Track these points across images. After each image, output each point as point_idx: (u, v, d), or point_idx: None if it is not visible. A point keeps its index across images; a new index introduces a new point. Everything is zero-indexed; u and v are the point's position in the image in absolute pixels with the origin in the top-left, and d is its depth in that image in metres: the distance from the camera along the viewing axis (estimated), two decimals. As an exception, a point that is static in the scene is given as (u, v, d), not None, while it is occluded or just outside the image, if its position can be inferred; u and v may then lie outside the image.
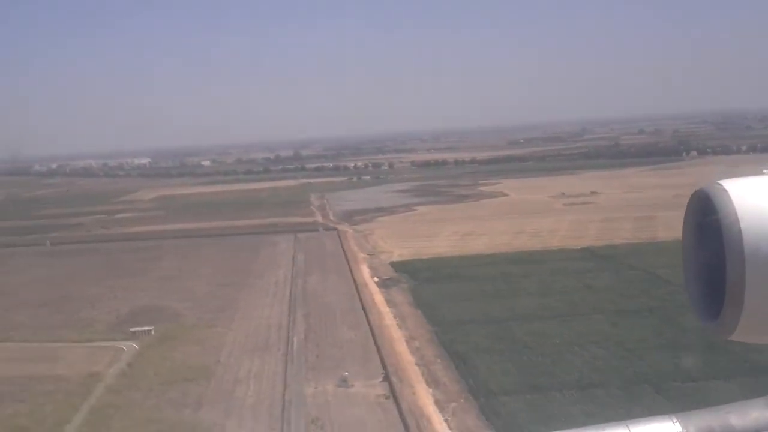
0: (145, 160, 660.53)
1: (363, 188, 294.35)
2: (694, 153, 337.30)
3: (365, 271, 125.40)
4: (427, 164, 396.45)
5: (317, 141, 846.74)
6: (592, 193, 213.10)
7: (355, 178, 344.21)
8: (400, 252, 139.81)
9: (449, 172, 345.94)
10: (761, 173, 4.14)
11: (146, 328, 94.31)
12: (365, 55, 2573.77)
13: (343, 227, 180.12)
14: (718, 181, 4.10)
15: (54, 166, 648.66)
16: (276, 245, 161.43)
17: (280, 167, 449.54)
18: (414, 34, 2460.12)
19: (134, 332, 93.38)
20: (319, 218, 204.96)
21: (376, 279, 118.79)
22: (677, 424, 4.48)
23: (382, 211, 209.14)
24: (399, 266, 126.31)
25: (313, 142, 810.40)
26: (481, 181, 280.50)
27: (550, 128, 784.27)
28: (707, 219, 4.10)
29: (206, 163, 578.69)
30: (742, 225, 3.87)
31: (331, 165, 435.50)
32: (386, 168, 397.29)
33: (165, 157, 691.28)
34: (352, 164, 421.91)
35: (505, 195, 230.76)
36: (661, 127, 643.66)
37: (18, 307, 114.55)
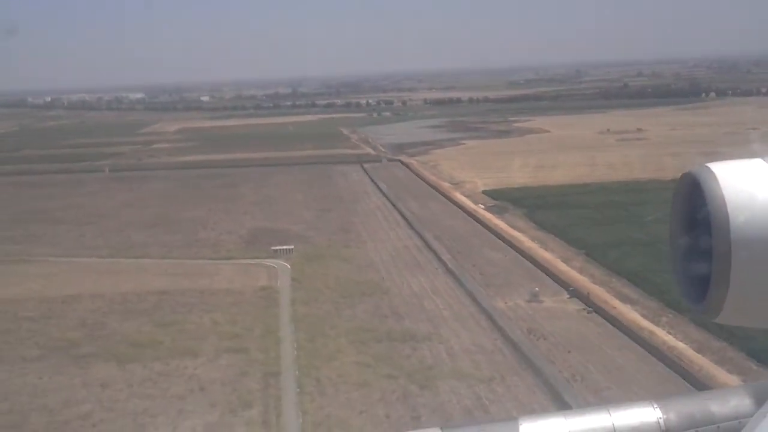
0: (139, 95, 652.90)
1: (391, 124, 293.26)
2: (712, 94, 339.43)
3: (463, 198, 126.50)
4: (440, 102, 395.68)
5: (308, 79, 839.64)
6: (638, 130, 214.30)
7: (375, 114, 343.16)
8: (482, 182, 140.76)
9: (468, 110, 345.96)
10: (749, 157, 4.18)
11: (287, 247, 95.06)
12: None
13: (404, 159, 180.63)
14: (706, 164, 4.16)
15: (48, 99, 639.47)
16: (347, 174, 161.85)
17: (290, 103, 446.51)
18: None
19: (276, 251, 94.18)
20: (369, 150, 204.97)
21: (482, 205, 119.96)
22: (657, 409, 4.53)
23: (430, 144, 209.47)
24: (494, 194, 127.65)
25: (304, 81, 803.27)
26: (510, 119, 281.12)
27: (541, 70, 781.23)
28: (695, 201, 4.16)
29: (205, 98, 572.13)
30: (729, 208, 3.92)
31: (341, 102, 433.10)
32: (399, 105, 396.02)
33: (156, 92, 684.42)
34: (364, 101, 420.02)
35: (546, 131, 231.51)
36: (657, 71, 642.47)
37: (129, 228, 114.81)
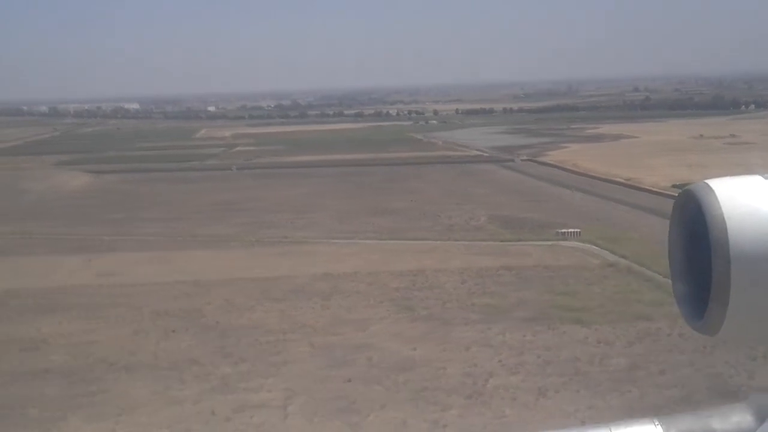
0: (134, 105, 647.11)
1: (451, 131, 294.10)
2: (752, 106, 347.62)
3: (662, 191, 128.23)
4: (473, 112, 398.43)
5: (295, 93, 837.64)
6: (732, 135, 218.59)
7: (422, 123, 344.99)
8: (652, 179, 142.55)
9: (513, 119, 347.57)
10: (748, 174, 4.22)
11: (573, 230, 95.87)
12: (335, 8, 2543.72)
13: (533, 159, 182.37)
14: (705, 181, 4.18)
15: (44, 108, 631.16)
16: (495, 173, 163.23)
17: (317, 112, 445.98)
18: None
19: (563, 233, 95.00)
20: (476, 152, 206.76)
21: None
22: (659, 427, 4.51)
23: (532, 147, 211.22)
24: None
25: (293, 94, 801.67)
26: (573, 126, 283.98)
27: (528, 86, 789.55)
28: (694, 218, 4.17)
29: (211, 108, 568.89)
30: (728, 224, 3.93)
31: (371, 111, 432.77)
32: (431, 114, 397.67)
33: (148, 103, 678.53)
34: (394, 111, 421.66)
35: (635, 137, 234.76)
36: (653, 87, 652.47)
37: (355, 215, 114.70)
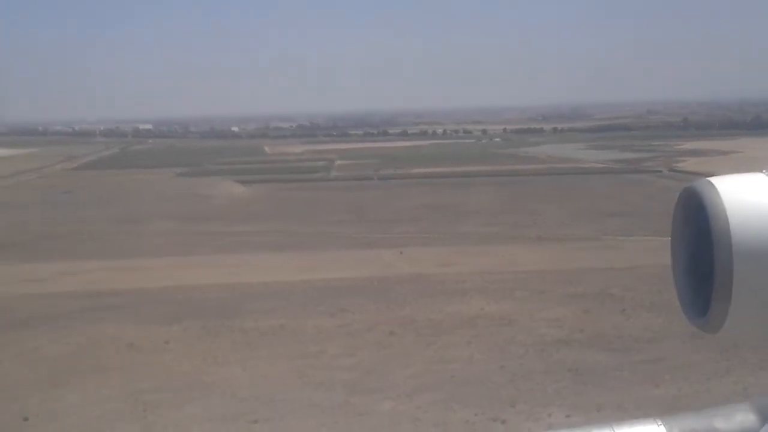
0: (148, 126, 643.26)
1: (527, 147, 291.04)
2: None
3: None
4: (523, 131, 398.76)
5: (301, 115, 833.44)
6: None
7: (485, 140, 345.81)
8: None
9: (576, 137, 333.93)
10: (751, 171, 4.29)
11: None
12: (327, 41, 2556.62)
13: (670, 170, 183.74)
14: (708, 178, 4.26)
15: (58, 128, 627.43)
16: (655, 183, 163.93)
17: (356, 131, 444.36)
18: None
19: None
20: (599, 164, 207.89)
21: None
22: (662, 426, 4.56)
23: (650, 160, 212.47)
24: None
25: (296, 117, 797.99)
26: (654, 143, 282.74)
27: (529, 110, 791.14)
28: (696, 216, 4.21)
29: (235, 129, 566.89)
30: (731, 223, 3.96)
31: (413, 131, 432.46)
32: (480, 133, 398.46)
33: (160, 124, 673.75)
34: (440, 130, 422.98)
35: (738, 152, 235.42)
36: (667, 110, 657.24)
37: (584, 217, 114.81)
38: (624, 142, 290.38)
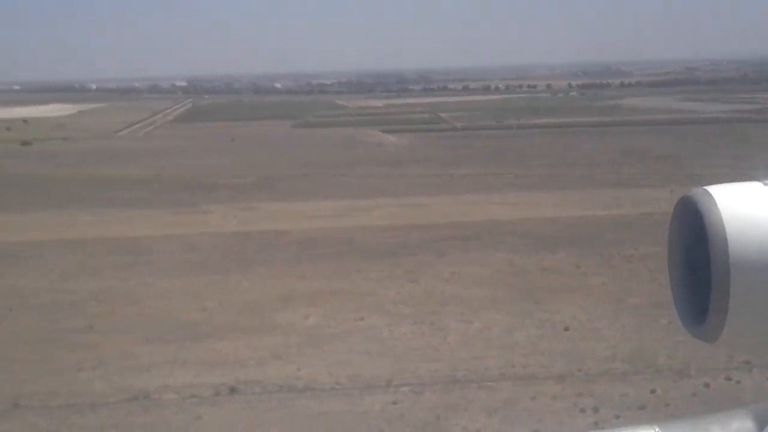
0: (183, 83, 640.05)
1: (607, 101, 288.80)
2: None
3: None
4: (588, 86, 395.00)
5: (320, 74, 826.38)
6: None
7: (561, 95, 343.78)
8: None
9: (651, 92, 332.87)
10: (749, 180, 4.27)
11: None
12: None
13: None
14: (704, 187, 4.21)
15: (93, 86, 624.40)
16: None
17: (421, 87, 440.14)
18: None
19: None
20: (719, 114, 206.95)
21: None
22: None
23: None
24: None
25: (318, 76, 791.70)
26: (740, 96, 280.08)
27: (558, 68, 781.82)
28: (693, 225, 4.19)
29: (278, 85, 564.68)
30: (728, 232, 3.94)
31: (460, 87, 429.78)
32: (544, 88, 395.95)
33: (194, 82, 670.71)
34: (492, 85, 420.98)
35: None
36: (702, 67, 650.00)
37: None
38: (713, 95, 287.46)
